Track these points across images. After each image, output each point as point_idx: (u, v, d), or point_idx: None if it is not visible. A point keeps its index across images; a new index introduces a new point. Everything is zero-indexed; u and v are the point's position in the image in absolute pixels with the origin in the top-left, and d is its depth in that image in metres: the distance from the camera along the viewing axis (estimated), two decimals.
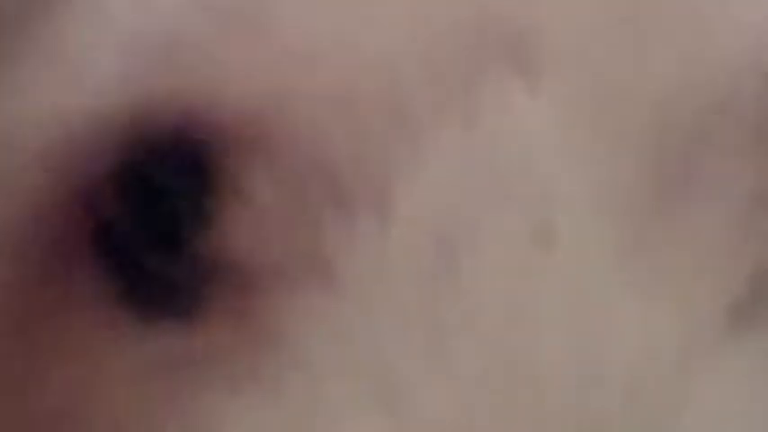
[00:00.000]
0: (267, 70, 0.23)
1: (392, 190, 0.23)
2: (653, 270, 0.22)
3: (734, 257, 0.23)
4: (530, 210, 0.22)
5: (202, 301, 0.24)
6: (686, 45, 0.23)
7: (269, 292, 0.23)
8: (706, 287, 0.22)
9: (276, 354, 0.23)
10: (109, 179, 0.24)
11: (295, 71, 0.23)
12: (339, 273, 0.22)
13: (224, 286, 0.24)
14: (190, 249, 0.24)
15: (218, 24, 0.23)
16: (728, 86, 0.23)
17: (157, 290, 0.24)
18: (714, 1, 0.23)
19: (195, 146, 0.23)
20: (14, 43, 0.26)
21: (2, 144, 0.25)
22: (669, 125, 0.23)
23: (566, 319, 0.21)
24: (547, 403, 0.21)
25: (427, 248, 0.22)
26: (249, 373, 0.23)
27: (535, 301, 0.22)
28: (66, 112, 0.24)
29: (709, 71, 0.23)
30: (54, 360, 0.26)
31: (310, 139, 0.23)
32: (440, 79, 0.23)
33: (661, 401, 0.21)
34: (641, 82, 0.23)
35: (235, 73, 0.23)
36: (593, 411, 0.21)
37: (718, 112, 0.23)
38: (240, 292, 0.23)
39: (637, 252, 0.22)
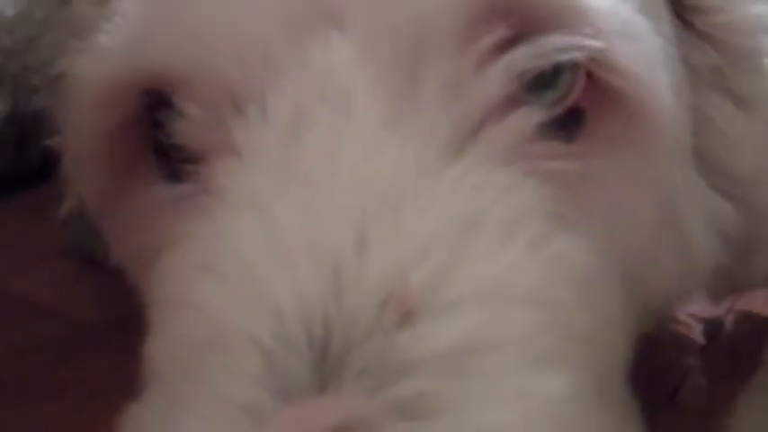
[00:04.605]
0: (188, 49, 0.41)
1: (266, 94, 0.38)
2: (409, 123, 0.37)
3: (445, 113, 0.38)
4: (339, 102, 0.38)
5: (185, 170, 0.42)
6: None
7: (210, 162, 0.40)
8: (428, 132, 0.37)
9: (217, 195, 0.39)
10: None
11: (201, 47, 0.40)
12: (242, 147, 0.39)
13: (192, 160, 0.41)
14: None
15: (164, 25, 0.41)
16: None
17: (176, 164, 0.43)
18: None
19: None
20: None
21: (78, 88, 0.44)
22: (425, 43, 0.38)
23: (357, 156, 0.36)
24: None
25: (286, 128, 0.38)
26: (206, 209, 0.39)
27: (343, 150, 0.37)
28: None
29: None
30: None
31: (215, 75, 0.40)
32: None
33: (401, 203, 0.36)
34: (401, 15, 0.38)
35: (173, 51, 0.41)
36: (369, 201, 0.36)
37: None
38: (198, 163, 0.41)
39: (398, 116, 0.37)
